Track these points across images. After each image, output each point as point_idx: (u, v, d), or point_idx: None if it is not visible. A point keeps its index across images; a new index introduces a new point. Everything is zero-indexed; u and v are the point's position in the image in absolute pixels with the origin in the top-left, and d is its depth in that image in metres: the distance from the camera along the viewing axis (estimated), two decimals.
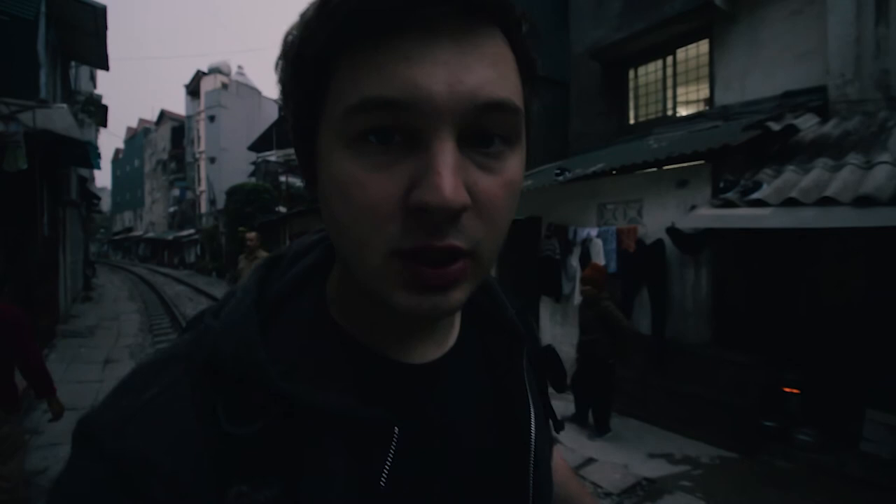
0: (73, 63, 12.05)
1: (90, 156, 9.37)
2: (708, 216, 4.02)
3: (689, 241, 4.43)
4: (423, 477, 0.40)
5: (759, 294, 4.58)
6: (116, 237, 53.64)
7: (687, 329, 4.68)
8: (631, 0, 6.56)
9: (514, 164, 0.34)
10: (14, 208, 6.99)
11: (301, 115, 0.36)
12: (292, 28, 0.35)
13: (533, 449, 0.46)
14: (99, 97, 19.04)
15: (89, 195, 15.67)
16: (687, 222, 4.27)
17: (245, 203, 19.65)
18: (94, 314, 11.02)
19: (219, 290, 15.09)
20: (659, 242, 4.76)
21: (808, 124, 4.61)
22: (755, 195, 3.78)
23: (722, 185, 4.33)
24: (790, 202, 3.50)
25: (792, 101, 4.93)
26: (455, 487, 0.42)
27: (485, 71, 0.31)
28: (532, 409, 0.48)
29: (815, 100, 4.78)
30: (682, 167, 4.69)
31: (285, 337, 0.38)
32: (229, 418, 0.33)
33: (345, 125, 0.31)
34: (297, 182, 17.99)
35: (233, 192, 20.76)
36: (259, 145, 25.06)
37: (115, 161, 54.00)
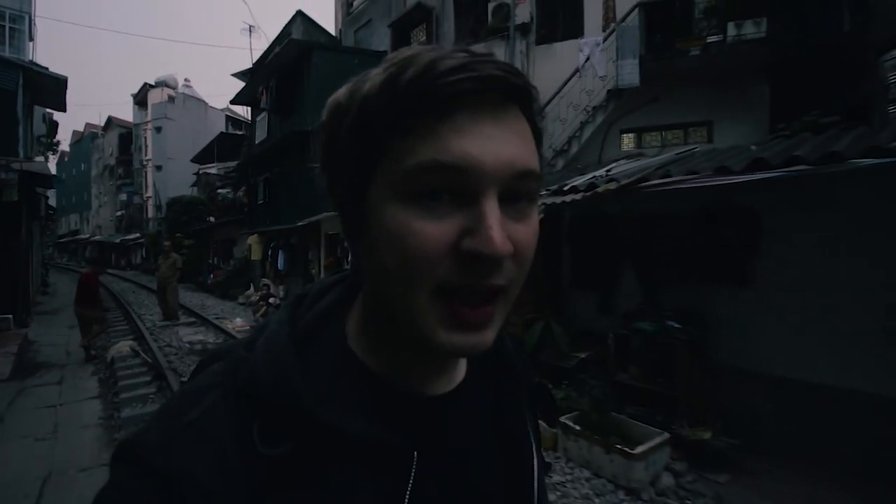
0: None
1: (53, 182, 12.72)
2: None
3: None
4: (441, 499, 0.43)
5: None
6: (62, 240, 51.80)
7: None
8: None
9: (535, 216, 0.40)
10: (3, 224, 10.21)
11: (355, 176, 0.39)
12: (345, 99, 0.39)
13: (536, 484, 0.52)
14: (50, 114, 21.20)
15: (48, 207, 18.39)
16: None
17: (182, 213, 22.17)
18: (54, 302, 14.06)
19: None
20: None
21: None
22: None
23: None
24: None
25: None
26: None
27: (518, 145, 0.37)
28: (534, 447, 0.54)
29: None
30: None
31: (314, 369, 0.41)
32: (264, 440, 0.37)
33: (403, 183, 0.36)
34: (228, 194, 20.96)
35: (172, 203, 23.31)
36: (201, 157, 26.67)
37: (61, 164, 50.90)
